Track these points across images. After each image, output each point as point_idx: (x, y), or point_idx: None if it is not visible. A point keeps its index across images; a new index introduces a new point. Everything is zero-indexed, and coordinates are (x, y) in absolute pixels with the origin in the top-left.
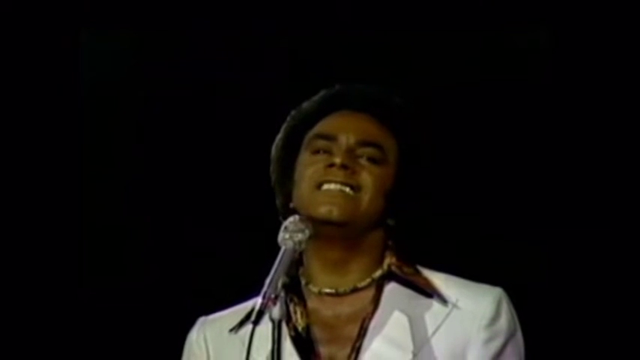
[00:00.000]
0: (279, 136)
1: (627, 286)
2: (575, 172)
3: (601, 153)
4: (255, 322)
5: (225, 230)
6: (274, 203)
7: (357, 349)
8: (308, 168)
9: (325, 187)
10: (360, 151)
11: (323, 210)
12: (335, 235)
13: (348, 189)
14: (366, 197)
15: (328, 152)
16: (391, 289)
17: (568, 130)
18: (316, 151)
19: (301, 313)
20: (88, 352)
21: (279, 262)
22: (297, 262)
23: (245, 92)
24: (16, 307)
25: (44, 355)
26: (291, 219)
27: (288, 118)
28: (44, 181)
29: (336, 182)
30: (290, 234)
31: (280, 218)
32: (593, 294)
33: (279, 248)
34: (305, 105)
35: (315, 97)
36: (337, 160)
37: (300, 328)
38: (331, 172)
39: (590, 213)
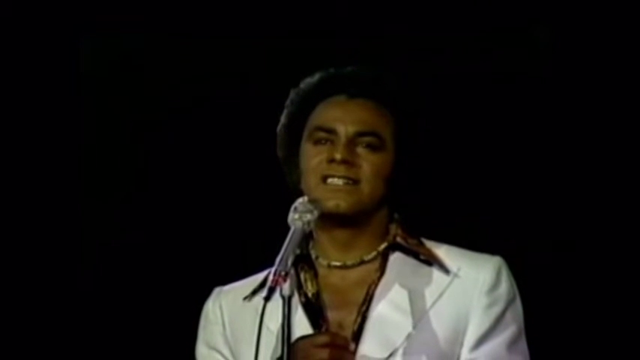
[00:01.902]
0: (282, 121)
1: (630, 263)
2: (574, 167)
3: (599, 148)
4: (267, 299)
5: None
6: (275, 181)
7: (362, 314)
8: (311, 159)
9: (330, 181)
10: (359, 140)
11: (330, 204)
12: (342, 220)
13: (350, 182)
14: (367, 187)
15: (330, 142)
16: (396, 258)
17: (567, 127)
18: (318, 141)
19: (311, 281)
20: (109, 329)
21: (289, 241)
22: (307, 237)
23: (244, 91)
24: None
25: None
26: (300, 200)
27: (288, 102)
28: (44, 178)
29: (338, 177)
30: (299, 214)
31: (291, 192)
32: (593, 270)
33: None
34: (303, 87)
35: (313, 80)
36: (337, 157)
37: (310, 295)
38: (333, 167)
39: (588, 209)
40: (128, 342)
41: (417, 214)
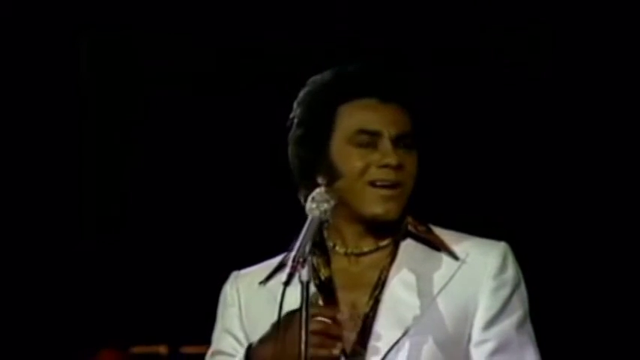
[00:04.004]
0: (300, 119)
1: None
2: (572, 165)
3: (599, 148)
4: (286, 284)
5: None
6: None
7: (375, 297)
8: (356, 162)
9: (380, 185)
10: (399, 142)
11: (379, 210)
12: (383, 221)
13: (398, 187)
14: (407, 188)
15: (372, 145)
16: (407, 245)
17: (567, 126)
18: (360, 144)
19: (324, 266)
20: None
21: (307, 229)
22: (321, 226)
23: (242, 90)
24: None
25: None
26: (317, 190)
27: (302, 101)
28: (43, 177)
29: (390, 182)
30: (317, 204)
31: (297, 182)
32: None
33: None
34: (320, 88)
35: (330, 80)
36: (393, 162)
37: (323, 278)
38: (384, 172)
39: (588, 204)
40: (148, 327)
41: (425, 204)
